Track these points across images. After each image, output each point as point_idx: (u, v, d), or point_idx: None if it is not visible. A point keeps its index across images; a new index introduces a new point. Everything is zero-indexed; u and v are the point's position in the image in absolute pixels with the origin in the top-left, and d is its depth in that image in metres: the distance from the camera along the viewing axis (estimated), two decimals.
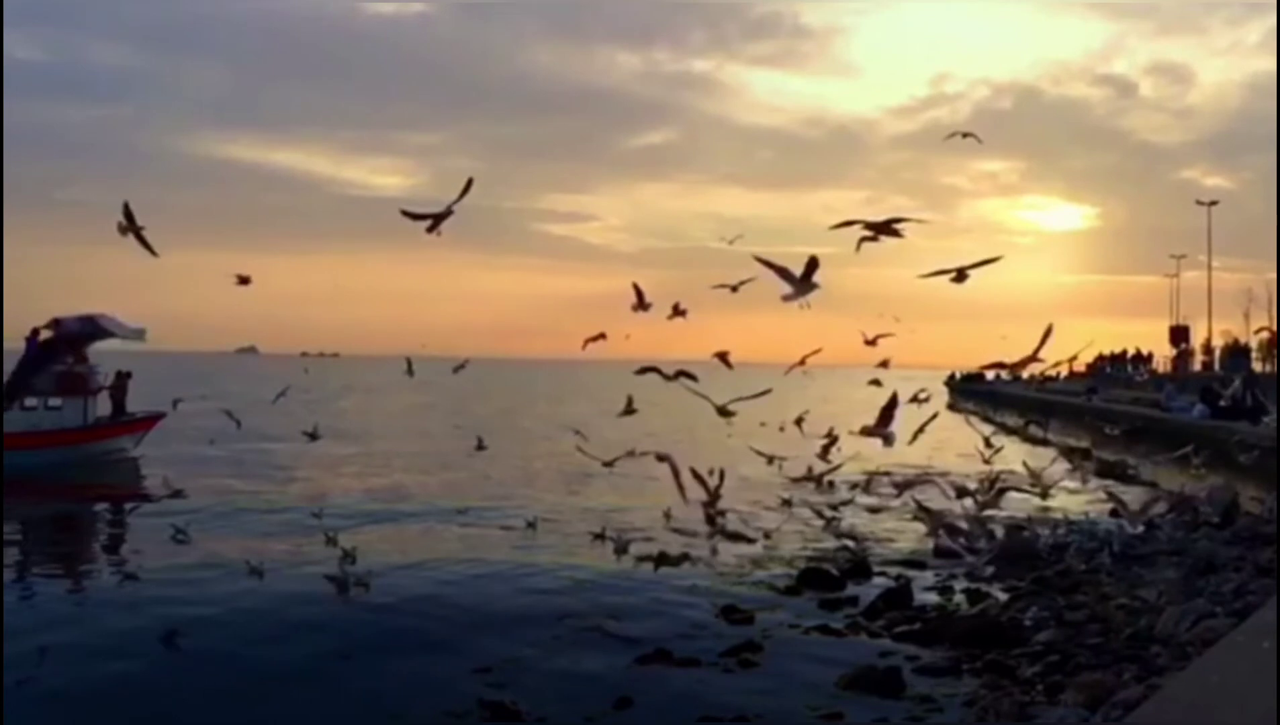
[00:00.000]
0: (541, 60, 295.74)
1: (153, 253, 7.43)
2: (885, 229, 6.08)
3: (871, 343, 8.95)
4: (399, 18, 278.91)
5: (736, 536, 12.01)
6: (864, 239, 6.07)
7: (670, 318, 8.53)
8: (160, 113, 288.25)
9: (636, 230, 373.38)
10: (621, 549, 13.56)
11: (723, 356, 8.97)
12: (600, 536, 14.35)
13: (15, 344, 25.74)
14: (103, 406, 27.55)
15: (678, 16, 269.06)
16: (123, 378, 28.12)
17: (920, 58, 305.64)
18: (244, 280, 9.66)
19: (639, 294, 8.30)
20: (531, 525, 16.90)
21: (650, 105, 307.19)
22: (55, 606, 12.88)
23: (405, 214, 6.96)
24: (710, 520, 10.38)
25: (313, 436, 17.85)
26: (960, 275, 6.04)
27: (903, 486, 12.45)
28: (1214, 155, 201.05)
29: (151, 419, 28.74)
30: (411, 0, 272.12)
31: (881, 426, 6.93)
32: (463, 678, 9.82)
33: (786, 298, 5.99)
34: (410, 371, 15.54)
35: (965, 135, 7.90)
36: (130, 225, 7.23)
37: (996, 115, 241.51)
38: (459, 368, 16.09)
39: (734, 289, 8.11)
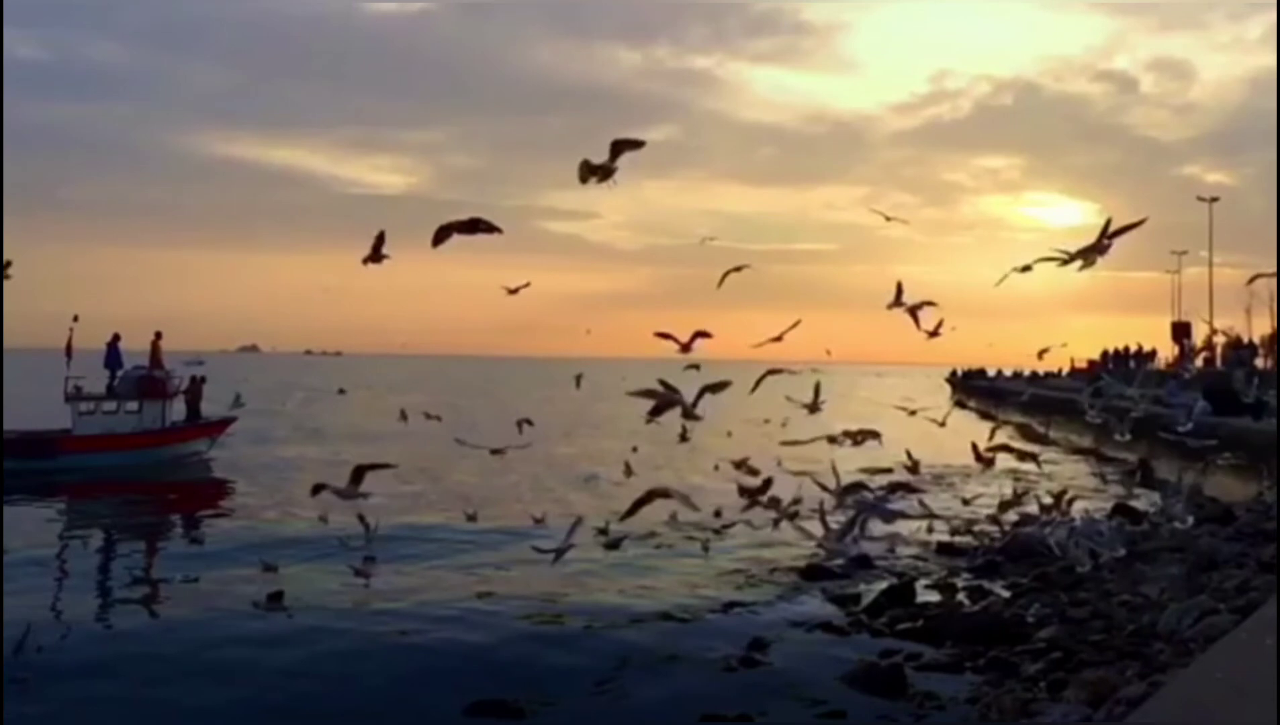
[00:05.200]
0: (542, 57, 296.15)
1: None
2: (486, 229, 6.12)
3: (776, 372, 9.28)
4: (399, 15, 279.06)
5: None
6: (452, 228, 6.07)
7: (891, 306, 8.83)
8: (160, 111, 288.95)
9: (638, 227, 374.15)
10: (614, 545, 13.56)
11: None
12: (602, 533, 14.34)
13: (92, 344, 26.40)
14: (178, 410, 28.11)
15: (679, 13, 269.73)
16: (197, 382, 28.61)
17: (921, 54, 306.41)
18: (517, 290, 9.06)
19: (899, 290, 8.73)
20: (540, 521, 16.96)
21: (651, 102, 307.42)
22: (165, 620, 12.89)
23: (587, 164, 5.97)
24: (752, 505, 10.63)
25: (528, 422, 18.63)
26: (1100, 249, 6.09)
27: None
28: (1215, 151, 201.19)
29: (224, 422, 29.40)
30: None
31: (663, 406, 7.17)
32: (462, 675, 9.83)
33: (1082, 268, 6.20)
34: (578, 384, 16.77)
35: (889, 218, 8.31)
36: (374, 256, 6.56)
37: (997, 111, 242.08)
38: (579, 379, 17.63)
39: (737, 270, 8.76)
